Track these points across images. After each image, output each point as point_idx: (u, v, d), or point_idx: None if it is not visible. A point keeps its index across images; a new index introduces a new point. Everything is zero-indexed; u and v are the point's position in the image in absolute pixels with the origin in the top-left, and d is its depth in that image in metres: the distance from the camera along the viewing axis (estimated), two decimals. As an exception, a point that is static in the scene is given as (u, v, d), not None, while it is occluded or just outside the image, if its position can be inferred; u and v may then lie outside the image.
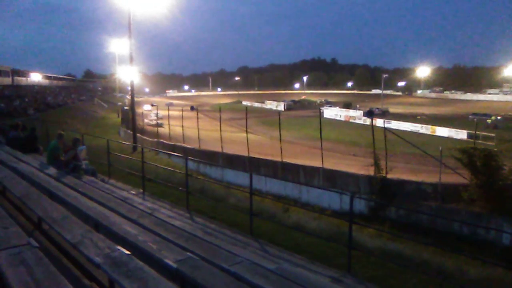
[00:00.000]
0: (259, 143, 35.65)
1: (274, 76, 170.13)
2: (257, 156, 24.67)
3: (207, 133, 36.30)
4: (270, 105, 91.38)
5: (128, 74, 35.25)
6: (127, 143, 30.37)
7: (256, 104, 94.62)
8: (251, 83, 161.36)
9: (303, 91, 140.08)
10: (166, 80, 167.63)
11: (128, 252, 4.40)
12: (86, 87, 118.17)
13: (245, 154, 24.52)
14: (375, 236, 12.57)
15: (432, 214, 14.92)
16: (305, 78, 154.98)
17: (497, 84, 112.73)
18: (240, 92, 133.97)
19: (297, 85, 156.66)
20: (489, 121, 51.90)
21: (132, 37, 30.17)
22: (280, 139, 24.03)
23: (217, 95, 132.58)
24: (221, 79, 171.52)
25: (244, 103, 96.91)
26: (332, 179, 19.69)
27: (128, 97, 35.14)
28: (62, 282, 3.55)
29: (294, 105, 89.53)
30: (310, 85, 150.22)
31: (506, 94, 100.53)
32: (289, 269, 5.68)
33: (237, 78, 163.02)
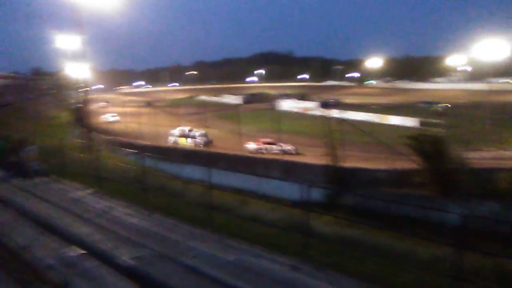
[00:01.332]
0: (217, 137, 35.50)
1: (230, 70, 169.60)
2: (214, 150, 24.63)
3: (164, 129, 35.75)
4: (228, 98, 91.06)
5: (80, 70, 34.06)
6: (81, 141, 29.41)
7: (213, 98, 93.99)
8: (207, 77, 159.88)
9: (260, 84, 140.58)
10: (120, 76, 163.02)
11: (82, 252, 4.31)
12: (35, 85, 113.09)
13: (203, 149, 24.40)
14: (333, 223, 12.88)
15: (386, 199, 15.48)
16: (261, 71, 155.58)
17: (444, 73, 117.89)
18: (196, 87, 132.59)
19: (253, 79, 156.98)
20: (437, 108, 54.25)
21: (83, 32, 29.13)
22: (239, 133, 24.09)
23: (173, 90, 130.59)
24: (177, 74, 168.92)
25: (201, 97, 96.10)
26: (290, 170, 19.98)
27: (81, 94, 33.92)
28: None
29: (251, 98, 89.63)
30: (266, 78, 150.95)
31: (452, 82, 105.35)
32: (248, 260, 5.75)
33: (193, 73, 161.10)
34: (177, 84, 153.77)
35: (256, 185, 20.02)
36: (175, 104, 55.43)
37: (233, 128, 35.02)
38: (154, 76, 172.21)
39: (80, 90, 34.19)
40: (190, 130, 35.04)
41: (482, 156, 23.85)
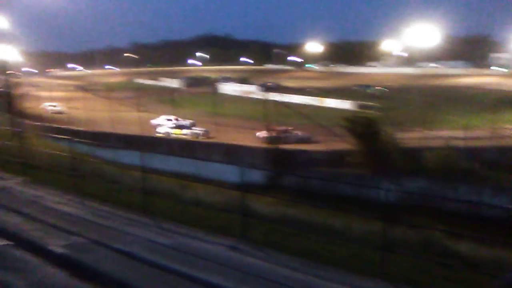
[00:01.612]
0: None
1: (169, 53, 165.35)
2: (152, 134, 24.11)
3: (99, 114, 34.37)
4: (167, 82, 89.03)
5: (7, 52, 31.70)
6: (8, 128, 27.55)
7: (152, 82, 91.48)
8: (145, 60, 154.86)
9: (200, 68, 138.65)
10: (52, 59, 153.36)
11: (8, 243, 4.08)
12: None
13: (141, 133, 23.81)
14: (273, 204, 13.14)
15: (323, 179, 16.02)
16: (202, 54, 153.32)
17: (379, 57, 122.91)
18: (133, 70, 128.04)
19: (194, 62, 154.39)
20: (373, 91, 56.57)
21: (11, 11, 27.06)
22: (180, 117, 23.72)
23: (109, 74, 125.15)
24: (112, 56, 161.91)
25: (139, 81, 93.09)
26: (231, 153, 20.04)
27: (8, 78, 31.66)
28: None
29: (192, 82, 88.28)
30: (207, 61, 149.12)
31: (387, 67, 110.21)
32: (185, 242, 5.74)
33: (130, 55, 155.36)
34: (113, 67, 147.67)
35: (196, 168, 19.89)
36: (111, 88, 53.40)
37: (173, 112, 34.38)
38: (89, 58, 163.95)
39: (8, 73, 31.89)
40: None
41: (412, 137, 25.30)
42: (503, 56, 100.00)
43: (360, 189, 15.76)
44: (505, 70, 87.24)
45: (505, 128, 28.96)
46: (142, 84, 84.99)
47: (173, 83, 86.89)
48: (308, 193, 16.18)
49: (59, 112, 39.88)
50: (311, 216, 10.64)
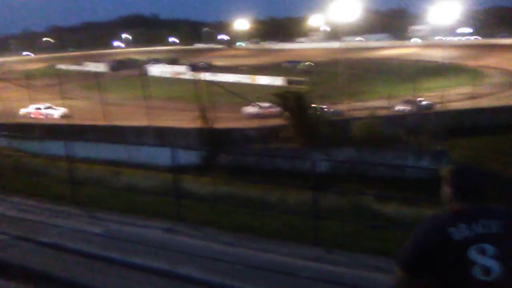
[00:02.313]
0: (83, 109, 33.10)
1: (92, 35, 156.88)
2: (81, 123, 23.00)
3: (19, 104, 32.14)
4: (91, 66, 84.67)
5: None
6: None
7: (75, 67, 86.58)
8: (65, 44, 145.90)
9: (126, 50, 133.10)
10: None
11: None
12: None
13: (66, 122, 22.61)
14: (209, 184, 13.16)
15: (257, 154, 16.26)
16: (127, 36, 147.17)
17: (306, 33, 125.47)
18: (54, 55, 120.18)
19: (119, 44, 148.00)
20: (301, 67, 57.75)
21: None
22: (107, 102, 22.76)
23: (26, 60, 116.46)
24: (29, 41, 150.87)
25: (60, 66, 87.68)
26: (163, 136, 19.68)
27: None
28: None
29: (118, 65, 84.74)
30: (133, 43, 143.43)
31: (314, 42, 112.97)
32: (118, 229, 5.60)
33: (49, 40, 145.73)
34: (30, 53, 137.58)
35: (128, 154, 19.35)
36: (30, 75, 49.81)
37: (100, 97, 32.96)
38: (2, 44, 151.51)
39: None
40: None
41: (339, 109, 26.32)
42: (421, 28, 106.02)
43: (294, 161, 16.21)
44: (422, 41, 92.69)
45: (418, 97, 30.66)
46: (64, 69, 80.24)
47: (99, 67, 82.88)
48: (244, 170, 16.39)
49: None
50: (247, 192, 10.81)
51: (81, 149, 19.27)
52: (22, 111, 32.60)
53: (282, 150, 17.05)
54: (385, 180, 17.33)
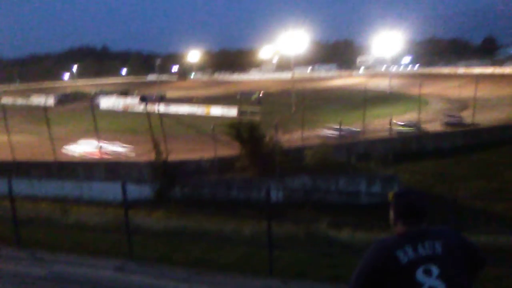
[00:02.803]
0: (28, 144, 31.65)
1: (39, 68, 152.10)
2: (26, 159, 21.95)
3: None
4: (38, 100, 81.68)
5: None
6: None
7: (20, 101, 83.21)
8: (10, 76, 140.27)
9: (75, 83, 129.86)
10: None
11: None
12: None
13: (9, 158, 21.51)
14: (163, 218, 12.87)
15: (211, 186, 16.13)
16: (75, 68, 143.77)
17: (258, 64, 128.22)
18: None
19: (67, 76, 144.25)
20: (254, 97, 58.61)
21: None
22: (56, 137, 21.91)
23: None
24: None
25: (6, 100, 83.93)
26: (115, 170, 19.15)
27: None
28: None
29: (66, 98, 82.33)
30: (81, 75, 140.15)
31: (265, 73, 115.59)
32: (65, 271, 5.32)
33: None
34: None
35: (78, 190, 18.62)
36: (-30, 110, 47.27)
37: (47, 132, 31.72)
38: None
39: None
40: None
41: (292, 138, 26.79)
42: (367, 58, 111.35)
43: (249, 191, 16.21)
44: (368, 71, 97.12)
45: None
46: (8, 104, 76.87)
47: (46, 100, 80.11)
48: (199, 202, 16.16)
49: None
50: (202, 225, 10.64)
51: (27, 186, 18.37)
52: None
53: (237, 180, 17.02)
54: (339, 206, 17.64)
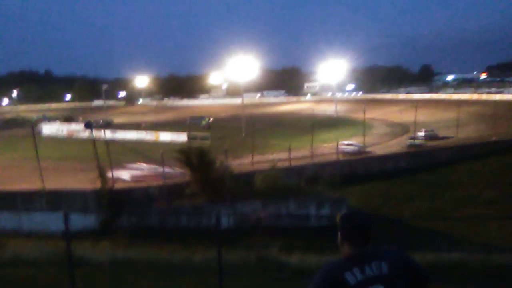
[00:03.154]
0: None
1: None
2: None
3: None
4: (-26, 127, 76.90)
5: None
6: None
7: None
8: None
9: (15, 108, 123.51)
10: None
11: None
12: None
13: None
14: (109, 248, 12.31)
15: (159, 214, 15.73)
16: (16, 93, 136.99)
17: (207, 90, 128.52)
18: None
19: (6, 101, 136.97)
20: (203, 123, 58.48)
21: None
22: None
23: None
24: None
25: None
26: (57, 200, 18.22)
27: None
28: None
29: (6, 124, 78.14)
30: (23, 100, 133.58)
31: (215, 98, 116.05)
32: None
33: None
34: None
35: (17, 222, 17.51)
36: None
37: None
38: None
39: None
40: None
41: (242, 163, 26.85)
42: (313, 85, 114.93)
43: (199, 218, 15.96)
44: (315, 97, 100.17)
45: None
46: None
47: (-17, 127, 75.54)
48: (148, 231, 15.67)
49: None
50: (150, 254, 10.29)
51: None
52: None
53: (186, 207, 16.71)
54: (290, 230, 17.73)
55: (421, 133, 39.30)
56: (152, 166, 23.94)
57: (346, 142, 33.85)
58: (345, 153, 31.76)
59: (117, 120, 74.95)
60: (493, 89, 77.84)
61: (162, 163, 19.02)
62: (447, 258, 9.35)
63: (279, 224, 18.45)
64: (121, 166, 23.16)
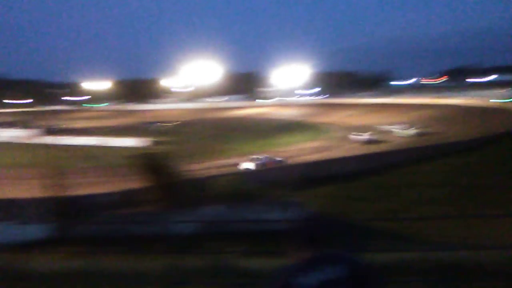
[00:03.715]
0: None
1: None
2: None
3: None
4: None
5: None
6: None
7: None
8: None
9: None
10: None
11: None
12: None
13: None
14: (62, 259, 11.79)
15: (115, 222, 15.26)
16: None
17: (167, 94, 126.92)
18: None
19: None
20: (162, 127, 57.66)
21: None
22: None
23: None
24: None
25: None
26: (7, 209, 17.31)
27: None
28: None
29: None
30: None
31: (170, 103, 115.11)
32: None
33: None
34: None
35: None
36: None
37: None
38: None
39: None
40: None
41: (203, 167, 26.59)
42: (274, 89, 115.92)
43: (159, 225, 15.58)
44: (276, 101, 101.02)
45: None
46: None
47: None
48: (104, 240, 15.12)
49: None
50: (105, 264, 9.91)
51: None
52: None
53: (146, 214, 16.28)
54: (251, 234, 17.62)
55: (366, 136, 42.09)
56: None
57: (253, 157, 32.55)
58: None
59: (73, 124, 72.53)
60: (447, 93, 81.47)
61: (120, 168, 18.50)
62: (400, 258, 9.57)
63: (241, 228, 18.32)
64: (247, 157, 29.74)
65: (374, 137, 42.39)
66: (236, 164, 27.19)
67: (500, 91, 70.13)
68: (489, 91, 73.33)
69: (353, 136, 43.18)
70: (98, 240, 15.01)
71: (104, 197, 17.45)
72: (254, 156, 31.78)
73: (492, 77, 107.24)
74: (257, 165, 29.98)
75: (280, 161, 32.01)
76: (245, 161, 28.36)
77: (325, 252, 2.40)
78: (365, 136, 42.48)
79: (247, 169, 29.68)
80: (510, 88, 71.72)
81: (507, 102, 58.45)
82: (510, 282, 5.65)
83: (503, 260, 6.17)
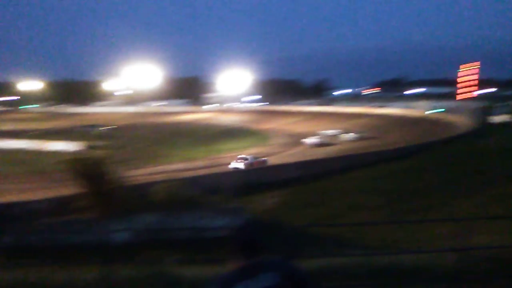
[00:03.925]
0: None
1: None
2: None
3: None
4: None
5: None
6: None
7: None
8: None
9: None
10: None
11: None
12: None
13: None
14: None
15: (43, 231, 14.46)
16: None
17: (105, 97, 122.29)
18: None
19: None
20: (100, 131, 55.50)
21: None
22: None
23: None
24: None
25: None
26: None
27: None
28: None
29: None
30: None
31: (113, 106, 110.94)
32: None
33: None
34: None
35: None
36: None
37: None
38: None
39: None
40: None
41: (140, 173, 25.86)
42: (216, 95, 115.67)
43: (90, 234, 14.94)
44: (217, 107, 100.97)
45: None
46: None
47: None
48: (30, 250, 14.26)
49: None
50: (29, 277, 9.33)
51: None
52: None
53: (76, 222, 15.52)
54: (188, 242, 17.36)
55: (315, 139, 45.54)
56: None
57: (240, 156, 34.53)
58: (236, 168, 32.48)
59: (2, 127, 67.92)
60: (381, 103, 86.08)
61: (51, 174, 17.54)
62: (336, 263, 9.85)
63: (178, 236, 18.00)
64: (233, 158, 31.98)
65: (326, 140, 46.54)
66: (176, 170, 26.69)
67: (428, 102, 76.15)
68: (418, 103, 79.57)
69: (306, 140, 46.28)
70: (27, 251, 14.14)
71: (36, 204, 16.45)
72: (241, 156, 33.14)
73: (421, 89, 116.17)
74: (245, 164, 31.43)
75: (264, 161, 33.85)
76: (196, 165, 28.56)
77: (261, 259, 2.41)
78: (317, 139, 45.94)
79: (236, 168, 30.99)
80: (435, 100, 78.37)
81: (433, 113, 64.72)
82: (446, 283, 5.99)
83: (440, 262, 6.56)
